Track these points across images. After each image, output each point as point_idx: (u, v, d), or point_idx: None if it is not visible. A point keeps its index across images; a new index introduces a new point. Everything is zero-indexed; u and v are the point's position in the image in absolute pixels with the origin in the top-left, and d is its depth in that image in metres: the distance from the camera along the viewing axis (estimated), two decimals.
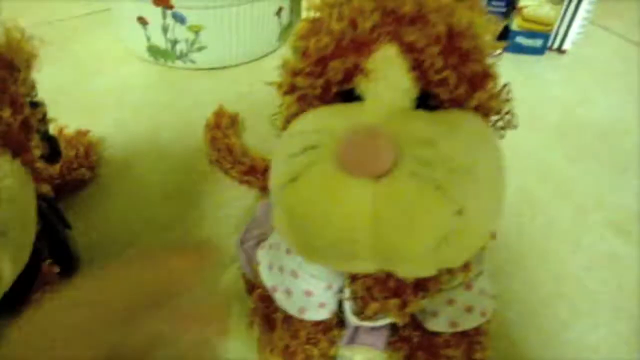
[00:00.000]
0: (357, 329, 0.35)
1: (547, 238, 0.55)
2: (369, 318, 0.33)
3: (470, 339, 0.34)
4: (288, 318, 0.36)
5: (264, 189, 0.54)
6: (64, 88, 0.71)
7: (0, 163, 0.26)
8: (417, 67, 0.24)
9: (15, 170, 0.27)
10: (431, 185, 0.21)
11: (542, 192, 0.61)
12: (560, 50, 0.89)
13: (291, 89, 0.26)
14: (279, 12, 0.79)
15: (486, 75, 0.26)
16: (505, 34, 0.87)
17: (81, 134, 0.60)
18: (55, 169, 0.53)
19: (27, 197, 0.27)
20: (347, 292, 0.32)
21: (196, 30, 0.71)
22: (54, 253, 0.36)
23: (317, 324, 0.36)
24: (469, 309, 0.32)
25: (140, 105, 0.70)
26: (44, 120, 0.32)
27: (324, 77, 0.25)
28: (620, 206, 0.60)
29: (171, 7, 0.69)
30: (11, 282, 0.26)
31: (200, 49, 0.74)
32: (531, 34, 0.85)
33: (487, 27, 0.26)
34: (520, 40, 0.86)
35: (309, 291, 0.33)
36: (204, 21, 0.71)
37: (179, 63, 0.76)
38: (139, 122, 0.67)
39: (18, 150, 0.28)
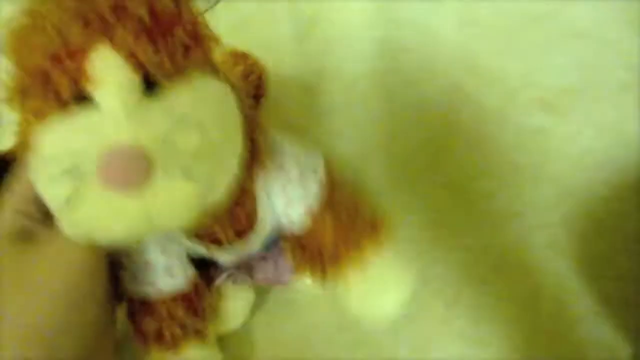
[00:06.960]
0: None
1: (476, 123, 0.57)
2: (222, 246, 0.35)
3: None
4: (145, 303, 0.36)
5: None
6: None
7: None
8: (132, 57, 0.24)
9: None
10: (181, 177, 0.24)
11: (471, 84, 0.62)
12: None
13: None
14: None
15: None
16: None
17: None
18: None
19: None
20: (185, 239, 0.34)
21: None
22: None
23: (175, 298, 0.36)
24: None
25: None
26: None
27: (50, 88, 0.24)
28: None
29: None
30: None
31: None
32: None
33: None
34: None
35: (148, 260, 0.34)
36: None
37: None
38: None
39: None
